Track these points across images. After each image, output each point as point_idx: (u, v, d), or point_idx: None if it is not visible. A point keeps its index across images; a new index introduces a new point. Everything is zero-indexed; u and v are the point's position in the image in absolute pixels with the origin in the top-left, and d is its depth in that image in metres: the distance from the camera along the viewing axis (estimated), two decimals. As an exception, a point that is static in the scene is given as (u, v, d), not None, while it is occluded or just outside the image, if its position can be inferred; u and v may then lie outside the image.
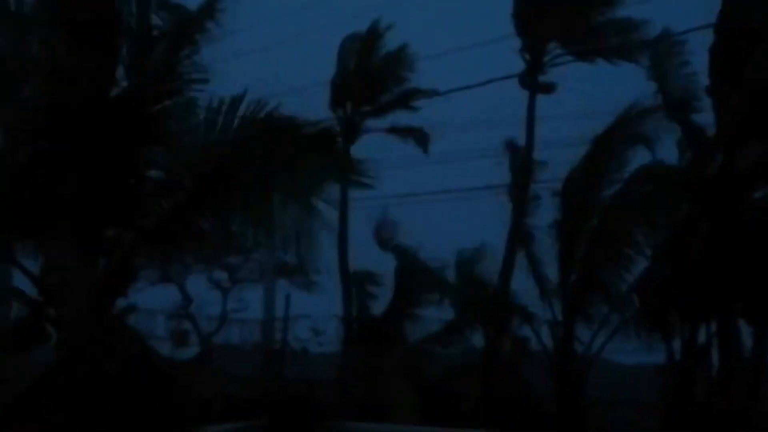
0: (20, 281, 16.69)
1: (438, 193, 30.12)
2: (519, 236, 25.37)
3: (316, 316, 34.45)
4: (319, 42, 32.46)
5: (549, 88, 25.94)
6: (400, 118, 29.14)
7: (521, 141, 25.99)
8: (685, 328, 20.15)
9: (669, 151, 21.98)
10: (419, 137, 28.85)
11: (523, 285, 25.47)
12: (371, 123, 29.20)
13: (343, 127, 28.61)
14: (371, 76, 28.81)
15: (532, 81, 25.69)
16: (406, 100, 28.81)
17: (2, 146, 15.89)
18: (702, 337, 20.12)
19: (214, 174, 15.79)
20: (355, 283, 29.00)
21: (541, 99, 25.88)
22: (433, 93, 28.33)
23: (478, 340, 27.45)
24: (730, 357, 18.96)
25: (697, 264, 18.46)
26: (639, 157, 23.40)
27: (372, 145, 28.81)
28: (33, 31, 15.91)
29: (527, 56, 25.89)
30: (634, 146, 23.35)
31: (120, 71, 15.88)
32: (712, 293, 18.29)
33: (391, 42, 28.81)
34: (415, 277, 28.61)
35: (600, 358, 24.21)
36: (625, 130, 23.56)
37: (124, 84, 15.94)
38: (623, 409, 25.48)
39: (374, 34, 28.82)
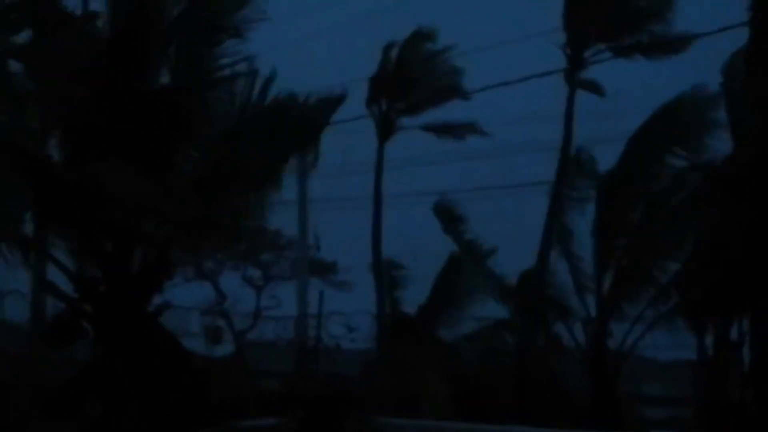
0: (56, 277, 16.80)
1: (482, 189, 29.91)
2: (557, 232, 25.32)
3: (349, 312, 34.58)
4: (357, 37, 32.50)
5: (595, 88, 25.87)
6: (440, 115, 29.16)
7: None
8: (717, 324, 20.12)
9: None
10: (457, 134, 28.87)
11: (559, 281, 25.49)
12: (407, 122, 29.23)
13: (379, 125, 28.70)
14: (409, 74, 28.79)
15: (572, 77, 25.62)
16: (441, 99, 28.80)
17: (39, 142, 16.02)
18: (734, 332, 20.09)
19: (235, 164, 15.89)
20: (388, 280, 29.03)
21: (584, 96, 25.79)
22: (466, 94, 28.34)
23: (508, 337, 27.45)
24: (762, 352, 18.92)
25: (733, 259, 18.42)
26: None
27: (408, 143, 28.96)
28: (72, 24, 16.07)
29: (569, 51, 25.80)
30: (674, 141, 23.34)
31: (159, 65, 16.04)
32: (746, 289, 18.26)
33: (434, 42, 28.78)
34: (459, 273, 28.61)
35: (634, 354, 24.17)
36: (664, 125, 23.54)
37: (164, 78, 16.07)
38: (656, 404, 25.45)
39: (418, 33, 28.80)
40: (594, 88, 25.73)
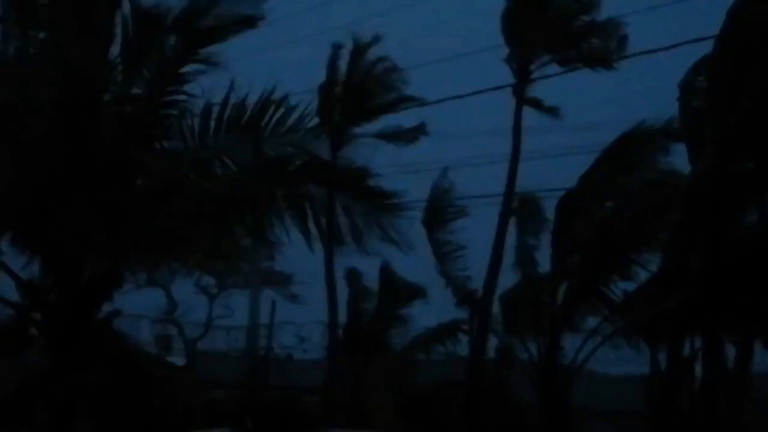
0: (5, 285, 16.61)
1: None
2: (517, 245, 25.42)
3: (301, 322, 34.50)
4: (311, 47, 32.46)
5: (538, 104, 25.99)
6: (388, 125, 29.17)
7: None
8: (670, 340, 20.18)
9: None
10: (409, 138, 28.91)
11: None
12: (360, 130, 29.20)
13: (332, 134, 28.61)
14: (360, 83, 28.82)
15: (520, 91, 25.72)
16: (394, 106, 28.84)
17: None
18: (686, 349, 20.18)
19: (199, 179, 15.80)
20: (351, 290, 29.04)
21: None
22: (421, 102, 28.35)
23: (462, 348, 27.44)
24: (714, 369, 19.00)
25: (689, 277, 18.50)
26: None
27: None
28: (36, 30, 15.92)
29: (514, 66, 25.89)
30: (634, 159, 23.49)
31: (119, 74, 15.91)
32: (704, 305, 18.34)
33: (379, 50, 28.84)
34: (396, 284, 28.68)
35: (585, 368, 24.22)
36: (625, 144, 23.70)
37: (123, 87, 15.94)
38: (608, 419, 25.53)
39: (363, 42, 28.84)
40: (537, 104, 25.89)
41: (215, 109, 16.14)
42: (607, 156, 23.91)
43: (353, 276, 29.25)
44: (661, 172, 22.81)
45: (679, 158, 21.69)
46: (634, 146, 23.65)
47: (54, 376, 15.22)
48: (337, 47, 29.13)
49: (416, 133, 28.97)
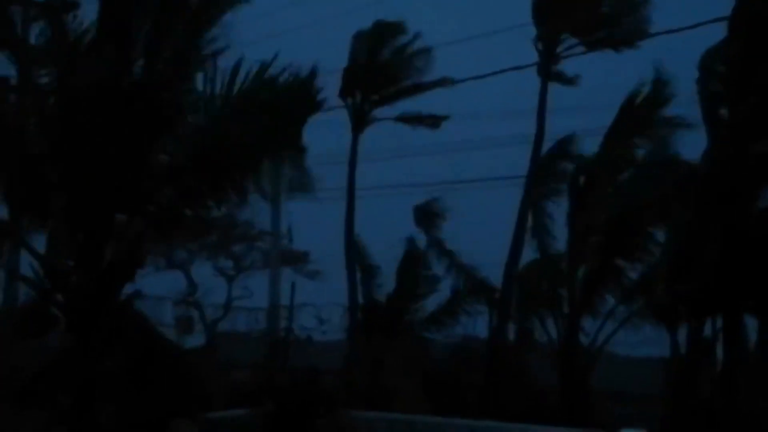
0: (29, 266, 16.70)
1: (454, 183, 29.86)
2: (533, 226, 25.42)
3: (321, 304, 34.53)
4: (333, 30, 32.44)
5: (569, 80, 25.99)
6: (410, 108, 29.16)
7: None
8: (690, 322, 20.14)
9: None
10: (430, 124, 28.87)
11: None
12: (381, 113, 29.19)
13: (352, 116, 28.64)
14: (383, 65, 28.76)
15: (546, 71, 25.70)
16: (418, 89, 28.79)
17: (16, 131, 15.92)
18: (707, 330, 20.12)
19: (214, 155, 15.81)
20: (363, 270, 29.01)
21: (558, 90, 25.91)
22: (446, 81, 28.30)
23: (482, 329, 27.48)
24: (735, 351, 18.96)
25: (710, 258, 18.44)
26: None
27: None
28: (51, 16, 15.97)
29: (540, 46, 25.87)
30: (650, 138, 23.47)
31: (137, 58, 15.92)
32: (723, 288, 18.29)
33: (404, 33, 28.76)
34: (416, 264, 28.68)
35: (605, 351, 24.22)
36: (639, 121, 23.68)
37: (139, 70, 15.96)
38: (628, 401, 25.49)
39: (386, 24, 28.77)
40: (564, 79, 25.87)
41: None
42: (614, 131, 23.89)
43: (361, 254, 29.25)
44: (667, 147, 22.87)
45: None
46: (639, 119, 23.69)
47: (75, 358, 15.31)
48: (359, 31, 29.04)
49: (438, 120, 28.89)
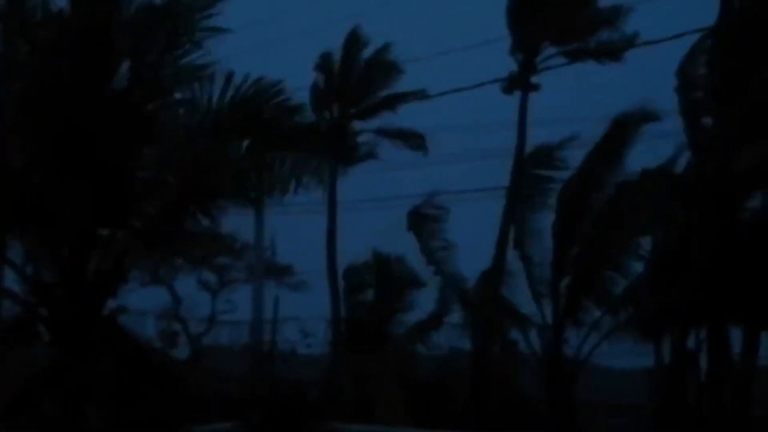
0: (12, 280, 16.66)
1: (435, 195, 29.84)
2: (514, 238, 25.40)
3: (305, 317, 34.51)
4: (303, 44, 32.49)
5: (534, 88, 25.99)
6: (388, 122, 29.16)
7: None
8: (674, 332, 20.17)
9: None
10: (413, 140, 28.85)
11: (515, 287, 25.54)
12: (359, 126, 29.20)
13: (330, 130, 28.59)
14: (357, 78, 28.77)
15: (525, 82, 25.69)
16: (394, 101, 28.79)
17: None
18: (691, 341, 20.16)
19: (197, 168, 15.77)
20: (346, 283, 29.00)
21: (535, 102, 25.91)
22: (422, 95, 28.29)
23: (466, 342, 27.49)
24: (719, 361, 18.99)
25: (695, 269, 18.49)
26: (638, 160, 23.59)
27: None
28: (29, 31, 15.88)
29: (519, 57, 25.85)
30: (632, 149, 23.54)
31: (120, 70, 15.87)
32: (708, 298, 18.33)
33: (376, 44, 28.79)
34: (394, 277, 28.67)
35: (590, 362, 24.26)
36: (622, 134, 23.71)
37: (123, 83, 15.90)
38: (612, 412, 25.55)
39: (358, 37, 28.78)
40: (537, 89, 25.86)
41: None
42: (599, 147, 23.95)
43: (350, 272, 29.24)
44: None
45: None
46: (624, 135, 23.73)
47: (63, 370, 15.26)
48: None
49: (418, 140, 28.82)
